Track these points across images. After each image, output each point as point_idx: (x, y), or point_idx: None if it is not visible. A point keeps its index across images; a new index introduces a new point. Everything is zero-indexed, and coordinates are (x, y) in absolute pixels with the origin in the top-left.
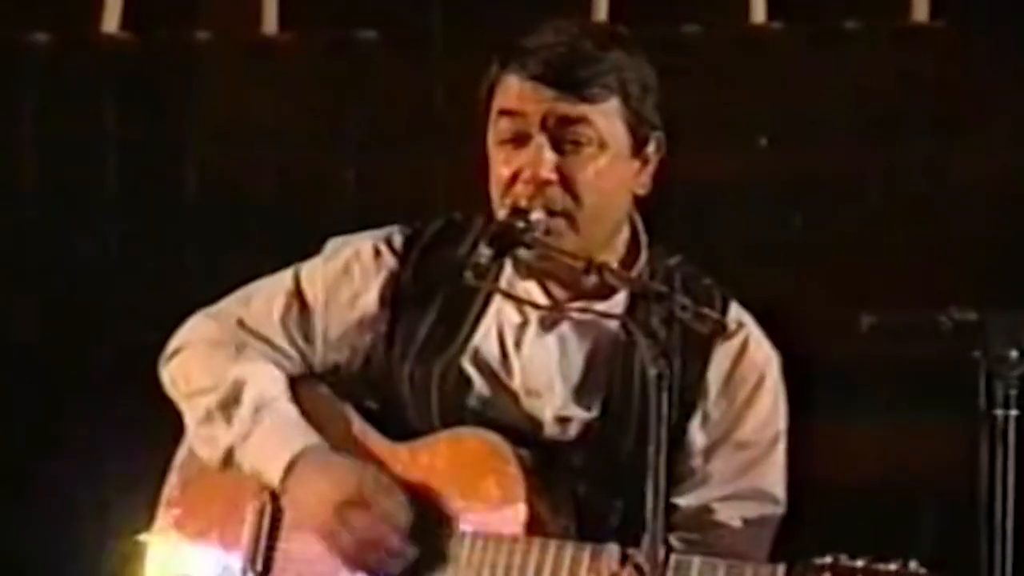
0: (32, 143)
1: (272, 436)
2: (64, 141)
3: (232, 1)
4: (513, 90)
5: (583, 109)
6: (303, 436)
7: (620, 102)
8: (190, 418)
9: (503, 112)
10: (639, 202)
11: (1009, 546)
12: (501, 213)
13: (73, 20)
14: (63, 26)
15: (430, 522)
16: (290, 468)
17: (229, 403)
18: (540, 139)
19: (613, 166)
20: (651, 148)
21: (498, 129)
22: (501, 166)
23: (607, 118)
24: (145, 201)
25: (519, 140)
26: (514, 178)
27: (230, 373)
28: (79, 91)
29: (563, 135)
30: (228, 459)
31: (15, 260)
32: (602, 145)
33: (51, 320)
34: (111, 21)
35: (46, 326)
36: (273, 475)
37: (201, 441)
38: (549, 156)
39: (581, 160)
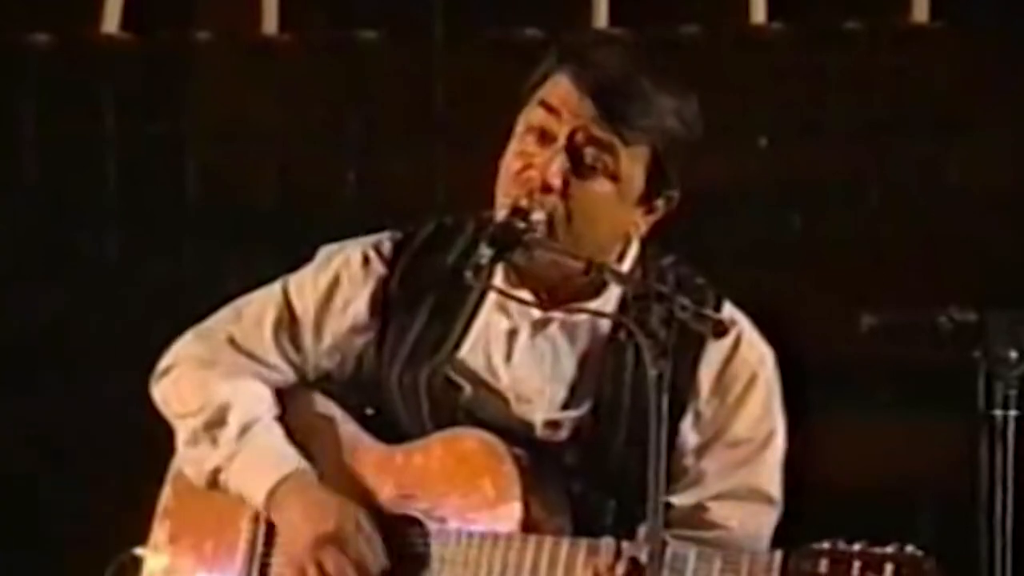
0: (32, 143)
1: (256, 460)
2: (64, 141)
3: (232, 1)
4: (561, 89)
5: (614, 140)
6: (287, 462)
7: (649, 152)
8: (179, 438)
9: (543, 104)
10: None
11: (1009, 546)
12: (502, 201)
13: (73, 20)
14: (63, 26)
15: (425, 522)
16: (272, 494)
17: (215, 425)
18: (561, 146)
19: (616, 203)
20: (660, 202)
21: (530, 117)
22: (516, 157)
23: (631, 159)
24: (145, 201)
25: (544, 138)
26: (523, 170)
27: (217, 394)
28: (79, 91)
29: (585, 153)
30: (214, 481)
31: (14, 260)
32: (615, 179)
33: (50, 320)
34: (111, 21)
35: (45, 326)
36: (257, 500)
37: (188, 462)
38: (563, 165)
39: (590, 184)
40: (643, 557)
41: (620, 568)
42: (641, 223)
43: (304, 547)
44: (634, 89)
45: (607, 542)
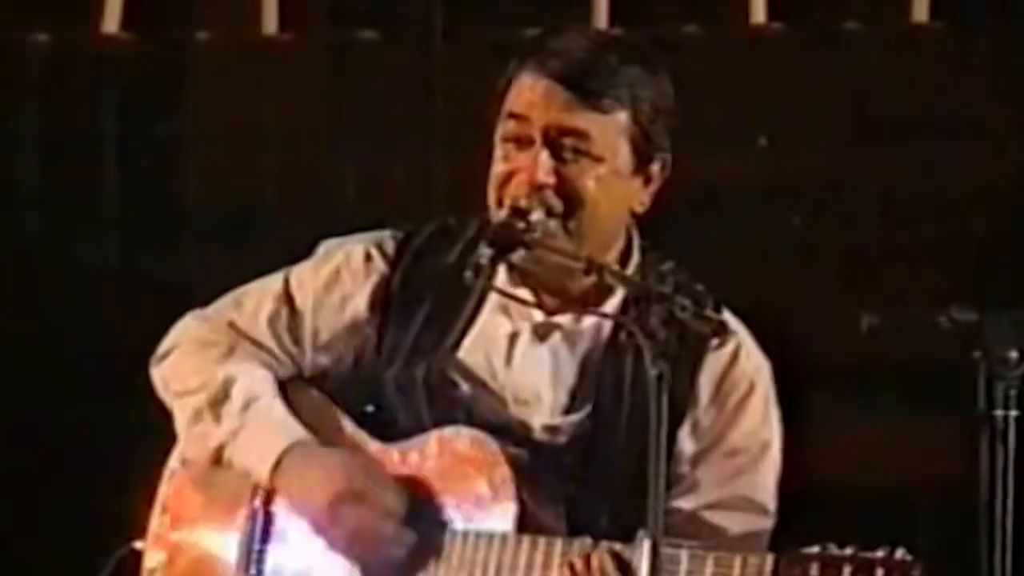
0: (32, 143)
1: (260, 433)
2: (64, 141)
3: (232, 1)
4: (524, 92)
5: (585, 121)
6: (291, 432)
7: (628, 118)
8: (180, 418)
9: (511, 115)
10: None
11: (1009, 546)
12: (496, 208)
13: (73, 20)
14: (63, 26)
15: (421, 521)
16: (278, 464)
17: (218, 401)
18: (540, 145)
19: (611, 179)
20: (655, 168)
21: (505, 128)
22: (500, 162)
23: (610, 132)
24: (145, 202)
25: (522, 141)
26: (510, 176)
27: (220, 372)
28: (79, 91)
29: (563, 144)
30: (218, 457)
31: (14, 260)
32: (599, 159)
33: (50, 321)
34: (111, 21)
35: (44, 327)
36: (262, 472)
37: (191, 440)
38: (547, 162)
39: (579, 168)
40: (635, 557)
41: (595, 560)
42: (643, 195)
43: (321, 507)
44: (597, 64)
45: (601, 544)
